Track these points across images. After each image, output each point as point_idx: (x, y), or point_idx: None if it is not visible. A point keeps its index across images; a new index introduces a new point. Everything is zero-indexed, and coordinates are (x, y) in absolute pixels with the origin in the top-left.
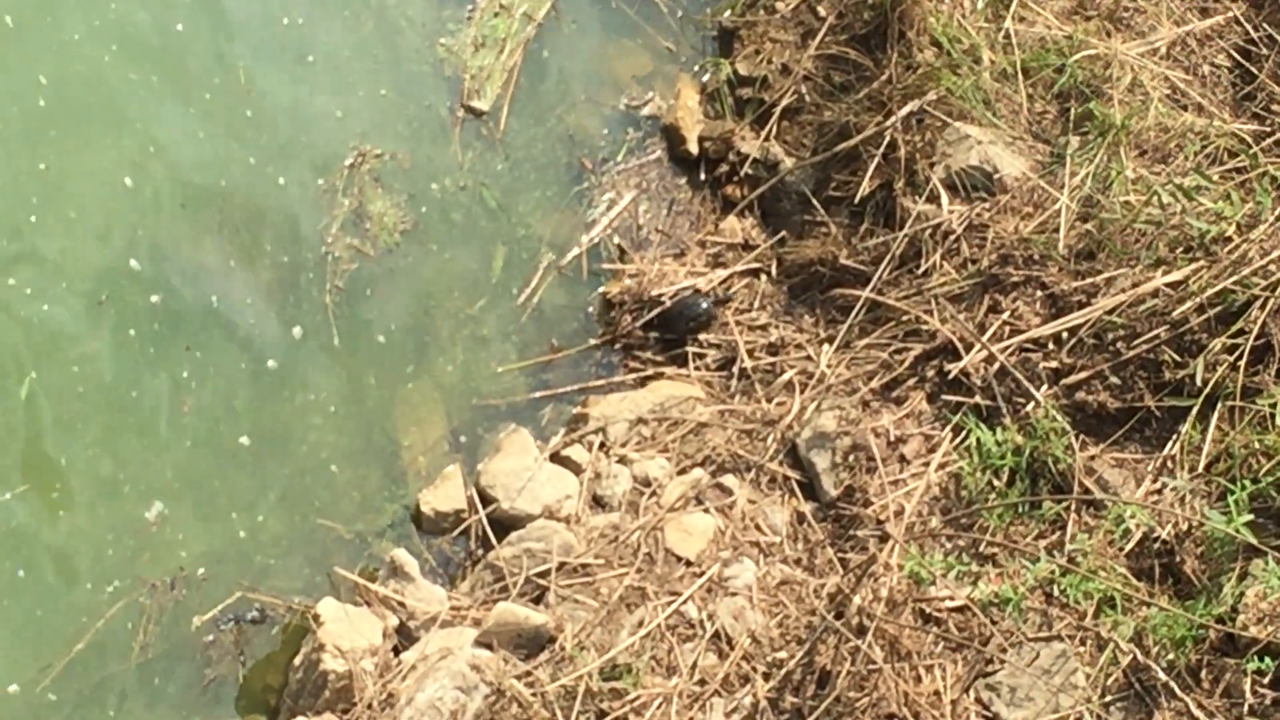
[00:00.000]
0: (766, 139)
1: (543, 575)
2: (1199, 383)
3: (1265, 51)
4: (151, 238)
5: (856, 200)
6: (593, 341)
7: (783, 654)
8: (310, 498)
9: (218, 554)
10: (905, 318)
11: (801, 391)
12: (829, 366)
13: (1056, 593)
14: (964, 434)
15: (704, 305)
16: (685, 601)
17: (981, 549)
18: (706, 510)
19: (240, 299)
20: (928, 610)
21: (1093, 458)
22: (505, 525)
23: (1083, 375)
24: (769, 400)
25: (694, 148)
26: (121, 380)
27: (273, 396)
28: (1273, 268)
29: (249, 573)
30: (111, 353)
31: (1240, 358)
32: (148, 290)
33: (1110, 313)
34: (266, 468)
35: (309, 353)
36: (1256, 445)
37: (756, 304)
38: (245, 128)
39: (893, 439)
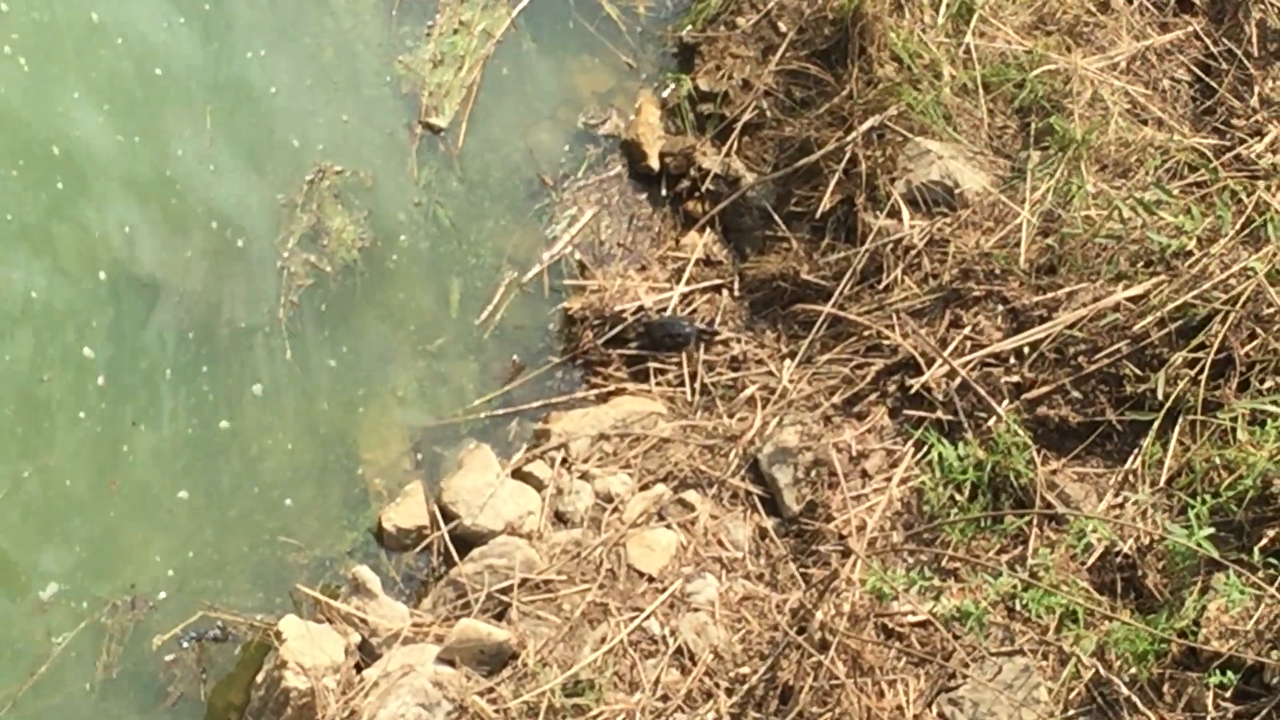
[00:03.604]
0: (728, 154)
1: (505, 591)
2: (1160, 397)
3: (1225, 66)
4: (110, 324)
5: (818, 215)
6: (554, 360)
7: (745, 669)
8: (260, 532)
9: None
10: (867, 333)
11: (763, 407)
12: (790, 382)
13: (1019, 607)
14: (926, 449)
15: (688, 329)
16: (648, 617)
17: (943, 564)
18: (669, 526)
19: (195, 368)
20: (890, 625)
21: (1054, 472)
22: (467, 541)
23: (1044, 390)
24: (731, 415)
25: (655, 163)
26: (62, 460)
27: (222, 453)
28: (1233, 282)
29: (207, 594)
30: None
31: (1201, 372)
32: (95, 373)
33: (1071, 327)
34: (204, 516)
35: (268, 404)
36: (1218, 459)
37: (718, 319)
38: (210, 181)
39: (854, 454)
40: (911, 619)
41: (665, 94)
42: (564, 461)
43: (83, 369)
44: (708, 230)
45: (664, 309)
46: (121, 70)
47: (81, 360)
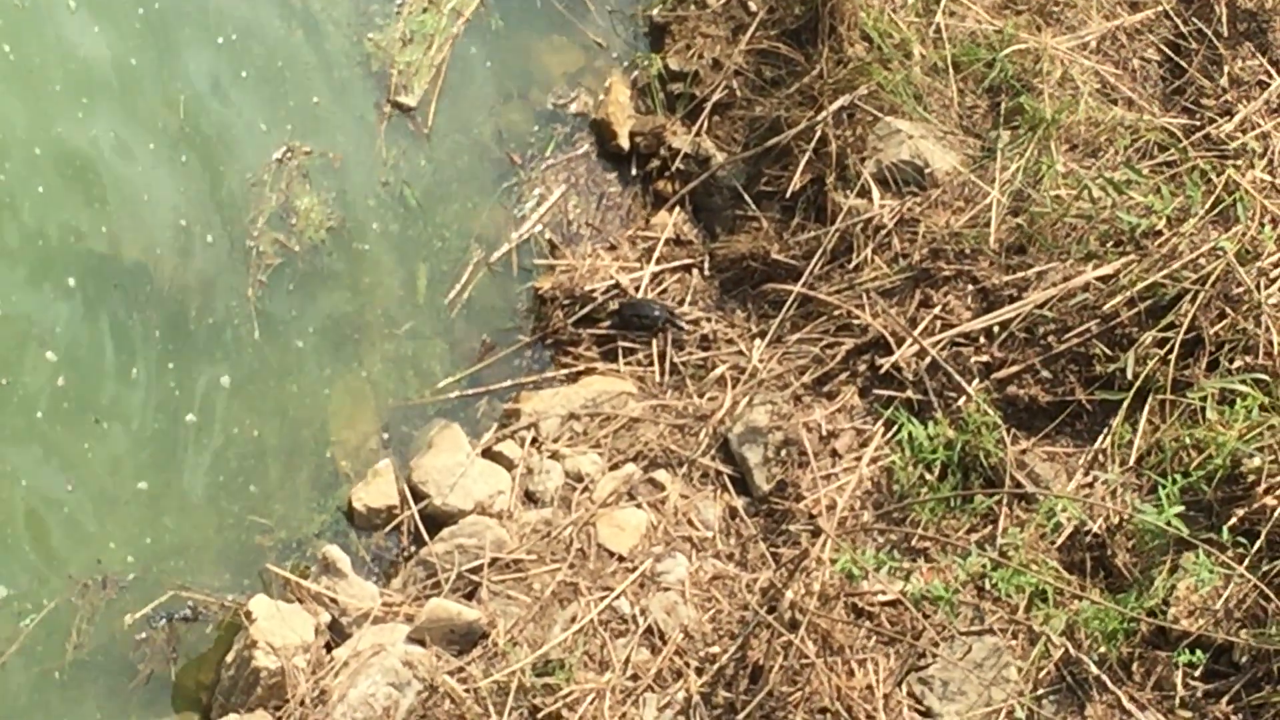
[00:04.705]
0: (698, 134)
1: (475, 571)
2: (1130, 376)
3: (1194, 45)
4: (77, 328)
5: (788, 195)
6: (524, 339)
7: (715, 649)
8: (226, 516)
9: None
10: (837, 312)
11: (733, 386)
12: (761, 361)
13: (988, 587)
14: (896, 428)
15: (657, 312)
16: (618, 597)
17: (913, 543)
18: (639, 505)
19: (163, 365)
20: (860, 605)
21: (1024, 451)
22: (438, 521)
23: (1014, 369)
24: (701, 395)
25: (625, 143)
26: (17, 461)
27: (189, 444)
28: (1202, 261)
29: (174, 576)
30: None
31: (1170, 351)
32: (55, 375)
33: (1041, 307)
34: (163, 504)
35: (236, 393)
36: (1187, 439)
37: (688, 299)
38: (180, 179)
39: (825, 433)
40: (881, 598)
41: (635, 73)
42: (534, 441)
43: (43, 372)
44: (678, 210)
45: (637, 287)
46: (98, 60)
47: (42, 364)
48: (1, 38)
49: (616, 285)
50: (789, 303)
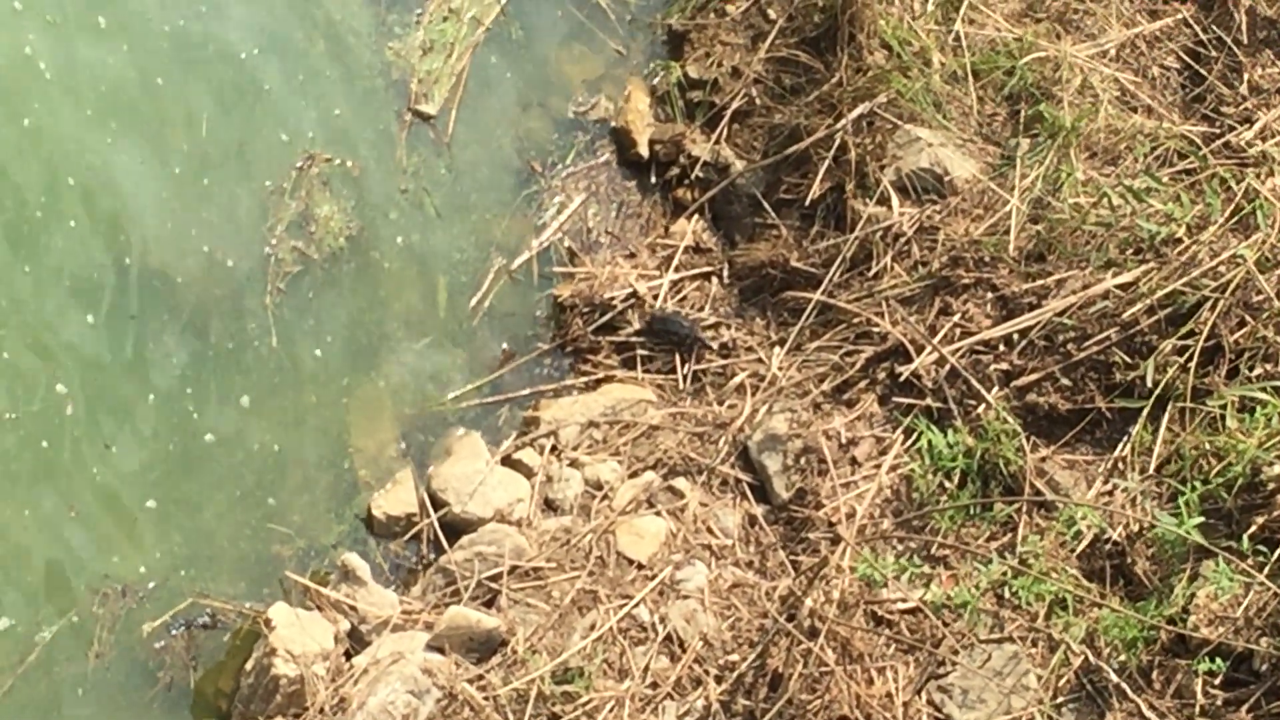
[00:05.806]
0: (717, 142)
1: (494, 579)
2: (1149, 384)
3: (1214, 53)
4: (92, 359)
5: (807, 203)
6: (544, 347)
7: (735, 656)
8: (242, 527)
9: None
10: (856, 320)
11: (753, 394)
12: (780, 369)
13: (1008, 594)
14: (915, 436)
15: (686, 329)
16: (637, 604)
17: (933, 551)
18: (658, 513)
19: (180, 389)
20: (879, 612)
21: (1044, 459)
22: (457, 529)
23: (1033, 377)
24: (720, 403)
25: (644, 151)
26: (22, 490)
27: (205, 462)
28: (1222, 269)
29: (197, 583)
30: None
31: (1190, 359)
32: (62, 404)
33: (1061, 314)
34: (172, 521)
35: (255, 411)
36: (1207, 446)
37: (708, 307)
38: (203, 203)
39: (844, 441)
40: (901, 606)
41: (655, 81)
42: (553, 449)
43: (51, 403)
44: (697, 217)
45: (656, 295)
46: (127, 80)
47: (51, 395)
48: (37, 55)
49: (635, 293)
50: (808, 310)
